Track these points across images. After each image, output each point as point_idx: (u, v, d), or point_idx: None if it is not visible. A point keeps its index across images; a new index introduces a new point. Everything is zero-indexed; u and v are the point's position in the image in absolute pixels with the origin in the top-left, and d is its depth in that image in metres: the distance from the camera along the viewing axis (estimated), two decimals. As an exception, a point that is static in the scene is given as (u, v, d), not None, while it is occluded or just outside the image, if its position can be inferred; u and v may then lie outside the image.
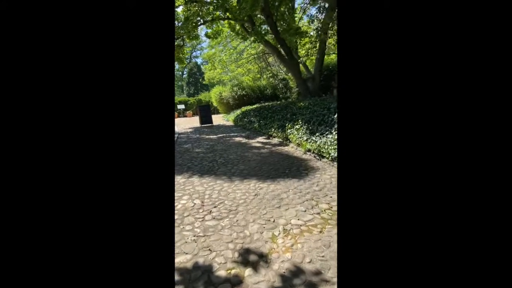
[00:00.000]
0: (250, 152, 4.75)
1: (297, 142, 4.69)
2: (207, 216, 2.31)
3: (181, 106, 19.19)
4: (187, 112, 19.03)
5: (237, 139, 6.44)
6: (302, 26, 9.64)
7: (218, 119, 12.57)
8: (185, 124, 11.95)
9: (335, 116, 4.18)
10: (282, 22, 8.37)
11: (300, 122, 4.94)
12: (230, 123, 10.82)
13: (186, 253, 1.77)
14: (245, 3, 7.29)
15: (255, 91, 14.20)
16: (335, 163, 3.54)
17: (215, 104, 16.75)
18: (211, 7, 8.99)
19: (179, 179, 3.40)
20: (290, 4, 8.59)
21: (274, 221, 2.13)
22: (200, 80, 30.75)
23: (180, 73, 35.27)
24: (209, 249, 1.81)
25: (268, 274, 1.52)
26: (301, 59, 8.85)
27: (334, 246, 1.75)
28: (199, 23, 9.44)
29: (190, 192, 2.90)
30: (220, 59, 14.55)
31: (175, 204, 2.60)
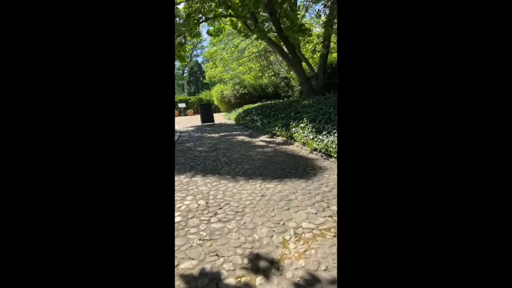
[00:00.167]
0: (254, 151, 4.63)
1: (302, 141, 4.57)
2: (213, 218, 2.19)
3: (182, 105, 19.08)
4: (188, 110, 18.91)
5: (240, 137, 6.32)
6: (305, 24, 9.49)
7: (219, 118, 12.45)
8: (186, 122, 11.84)
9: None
10: (285, 19, 8.23)
11: (306, 121, 4.82)
12: (232, 121, 10.70)
13: (192, 259, 1.66)
14: (248, 0, 7.16)
15: (257, 89, 14.08)
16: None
17: (216, 102, 16.64)
18: (213, 4, 8.86)
19: (182, 179, 3.28)
20: (293, 1, 8.45)
21: (284, 224, 2.02)
22: (201, 79, 30.63)
23: (181, 71, 35.15)
24: (216, 254, 1.69)
25: (281, 283, 1.41)
26: (305, 56, 8.72)
27: (351, 252, 1.64)
28: (201, 20, 9.31)
29: (194, 193, 2.79)
30: (221, 57, 14.42)
31: (179, 205, 2.49)
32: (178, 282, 1.46)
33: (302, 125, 4.83)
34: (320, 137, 4.06)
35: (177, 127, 9.93)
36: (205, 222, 2.13)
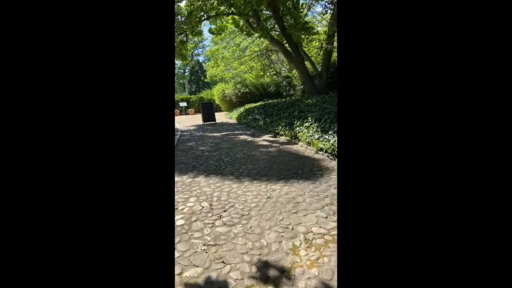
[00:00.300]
0: (258, 151, 4.52)
1: (307, 140, 4.46)
2: (217, 221, 2.09)
3: (183, 104, 19.00)
4: (189, 109, 18.81)
5: (242, 137, 6.22)
6: (309, 23, 9.37)
7: (220, 117, 12.35)
8: (187, 121, 11.73)
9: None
10: (288, 17, 8.12)
11: (310, 120, 4.71)
12: (233, 120, 10.59)
13: (197, 266, 1.55)
14: (251, -3, 7.05)
15: (259, 88, 13.97)
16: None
17: (217, 101, 16.54)
18: (215, 2, 8.75)
19: (184, 179, 3.18)
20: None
21: (293, 229, 1.91)
22: (202, 78, 30.52)
23: (182, 71, 35.06)
24: (222, 261, 1.59)
25: (294, 294, 1.30)
26: (308, 55, 8.60)
27: (366, 260, 1.53)
28: (202, 18, 9.20)
29: (197, 194, 2.68)
30: (223, 56, 14.32)
31: (182, 207, 2.39)
32: (182, 293, 1.36)
33: (306, 124, 4.72)
34: (326, 136, 3.95)
35: (179, 126, 9.83)
36: (210, 225, 2.03)
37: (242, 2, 7.75)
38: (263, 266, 1.53)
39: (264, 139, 5.71)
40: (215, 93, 16.45)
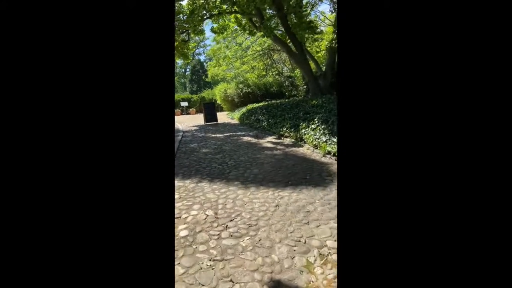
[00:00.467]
0: (263, 154, 4.38)
1: (313, 143, 4.32)
2: (223, 232, 1.95)
3: (184, 103, 18.89)
4: (191, 109, 18.70)
5: (246, 138, 6.08)
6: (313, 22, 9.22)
7: (222, 117, 12.21)
8: (189, 121, 11.61)
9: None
10: (292, 16, 7.97)
11: (316, 122, 4.57)
12: (236, 121, 10.46)
13: (203, 285, 1.42)
14: (255, -5, 6.91)
15: (261, 88, 13.82)
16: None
17: (219, 101, 16.41)
18: (218, 0, 8.61)
19: (187, 184, 3.05)
20: (300, -2, 8.18)
21: (305, 243, 1.77)
22: (203, 77, 30.40)
23: (183, 70, 34.95)
24: (231, 280, 1.45)
25: (313, 323, 1.16)
26: (312, 55, 8.45)
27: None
28: (205, 17, 9.07)
29: (200, 201, 2.55)
30: (225, 55, 14.19)
31: (185, 215, 2.26)
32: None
33: (313, 126, 4.57)
34: (334, 139, 3.81)
35: (180, 126, 9.71)
36: (215, 237, 1.89)
37: (245, 0, 7.61)
38: (276, 286, 1.39)
39: (268, 141, 5.57)
40: (217, 93, 16.31)
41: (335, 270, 1.49)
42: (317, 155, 4.10)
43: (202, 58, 33.34)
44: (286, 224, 2.03)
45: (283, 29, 8.64)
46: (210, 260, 1.64)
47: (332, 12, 8.50)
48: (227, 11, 8.94)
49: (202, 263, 1.61)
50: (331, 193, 2.59)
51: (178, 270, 1.55)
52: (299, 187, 2.79)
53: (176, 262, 1.63)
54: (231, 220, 2.13)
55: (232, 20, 10.15)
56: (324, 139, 4.05)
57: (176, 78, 32.65)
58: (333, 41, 8.07)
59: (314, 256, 1.62)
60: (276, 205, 2.36)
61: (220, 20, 10.01)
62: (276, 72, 14.49)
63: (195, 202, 2.52)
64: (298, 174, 3.23)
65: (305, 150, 4.50)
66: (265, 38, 11.78)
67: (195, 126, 9.60)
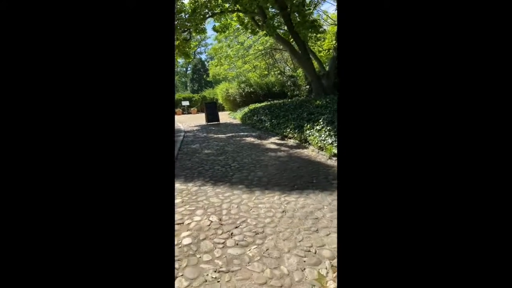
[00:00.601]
0: (266, 156, 4.29)
1: (319, 145, 4.22)
2: (229, 240, 1.86)
3: (185, 103, 18.82)
4: (192, 109, 18.62)
5: (248, 139, 5.99)
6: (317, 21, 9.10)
7: (224, 117, 12.12)
8: (190, 121, 11.53)
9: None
10: (296, 15, 7.86)
11: (321, 123, 4.46)
12: (237, 121, 10.37)
13: (208, 300, 1.33)
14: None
15: (263, 88, 13.72)
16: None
17: (221, 101, 16.31)
18: (220, -1, 8.51)
19: (190, 187, 2.96)
20: (304, -4, 8.06)
21: (316, 253, 1.68)
22: (204, 76, 30.28)
23: (184, 69, 34.86)
24: (238, 295, 1.36)
25: None
26: (316, 54, 8.34)
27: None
28: (207, 16, 8.97)
29: (204, 205, 2.46)
30: (227, 54, 14.09)
31: (188, 221, 2.17)
32: None
33: (317, 127, 4.47)
34: (340, 141, 3.70)
35: (181, 126, 9.63)
36: (220, 246, 1.80)
37: (248, -1, 7.51)
38: (286, 303, 1.30)
39: (271, 142, 5.47)
40: (219, 92, 16.22)
41: (349, 285, 1.40)
42: (322, 157, 4.00)
43: (203, 57, 33.27)
44: (294, 232, 1.94)
45: (285, 28, 8.53)
46: (215, 271, 1.55)
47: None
48: (230, 9, 8.83)
49: (207, 274, 1.52)
50: (340, 198, 2.50)
51: (182, 282, 1.46)
52: (306, 191, 2.69)
53: (179, 274, 1.54)
54: (236, 227, 2.04)
55: (235, 18, 10.04)
56: (330, 141, 3.95)
57: (177, 77, 32.58)
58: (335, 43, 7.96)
59: (326, 268, 1.53)
60: (283, 211, 2.27)
61: (222, 18, 9.91)
62: (278, 71, 14.38)
63: (198, 207, 2.43)
64: (304, 177, 3.14)
65: (310, 152, 4.40)
66: (267, 37, 11.67)
67: (197, 126, 9.52)
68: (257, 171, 3.47)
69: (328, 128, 4.23)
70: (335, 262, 1.58)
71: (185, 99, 19.60)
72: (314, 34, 8.33)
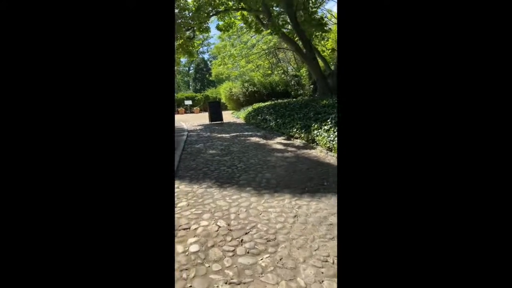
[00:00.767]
0: (273, 156, 4.16)
1: (327, 145, 4.09)
2: (239, 247, 1.74)
3: (188, 102, 18.75)
4: (195, 108, 18.53)
5: (253, 139, 5.87)
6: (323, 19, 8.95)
7: (227, 116, 12.01)
8: (193, 120, 11.43)
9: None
10: (302, 13, 7.72)
11: (330, 123, 4.33)
12: (241, 120, 10.25)
13: (220, 317, 1.21)
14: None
15: (267, 87, 13.58)
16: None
17: (224, 100, 16.21)
18: (225, -4, 8.40)
19: (195, 189, 2.84)
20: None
21: (333, 263, 1.55)
22: (207, 76, 30.19)
23: (187, 68, 34.79)
24: (252, 310, 1.24)
25: None
26: (321, 53, 8.20)
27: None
28: (211, 14, 8.86)
29: (211, 209, 2.34)
30: (230, 54, 13.98)
31: (195, 226, 2.05)
32: None
33: (326, 127, 4.34)
34: (351, 142, 3.57)
35: (185, 125, 9.53)
36: (230, 254, 1.68)
37: (253, -4, 7.38)
38: (306, 321, 1.18)
39: (277, 142, 5.34)
40: (222, 92, 16.11)
41: (373, 300, 1.27)
42: (331, 158, 3.86)
43: (206, 56, 33.19)
44: (308, 239, 1.81)
45: (290, 27, 8.40)
46: (226, 283, 1.43)
47: None
48: (234, 7, 8.71)
49: (217, 286, 1.40)
50: (354, 203, 2.37)
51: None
52: (317, 194, 2.57)
53: (188, 284, 1.42)
54: (246, 233, 1.92)
55: (239, 17, 9.92)
56: (339, 141, 3.82)
57: (179, 76, 32.51)
58: None
59: (347, 281, 1.40)
60: (295, 216, 2.15)
61: (226, 17, 9.79)
62: (282, 71, 14.24)
63: (204, 211, 2.31)
64: (314, 179, 3.01)
65: (318, 152, 4.27)
66: (270, 37, 11.54)
67: (200, 125, 9.42)
68: (264, 172, 3.35)
69: (336, 128, 4.10)
70: (356, 274, 1.46)
71: (187, 98, 19.53)
72: (320, 32, 8.19)
